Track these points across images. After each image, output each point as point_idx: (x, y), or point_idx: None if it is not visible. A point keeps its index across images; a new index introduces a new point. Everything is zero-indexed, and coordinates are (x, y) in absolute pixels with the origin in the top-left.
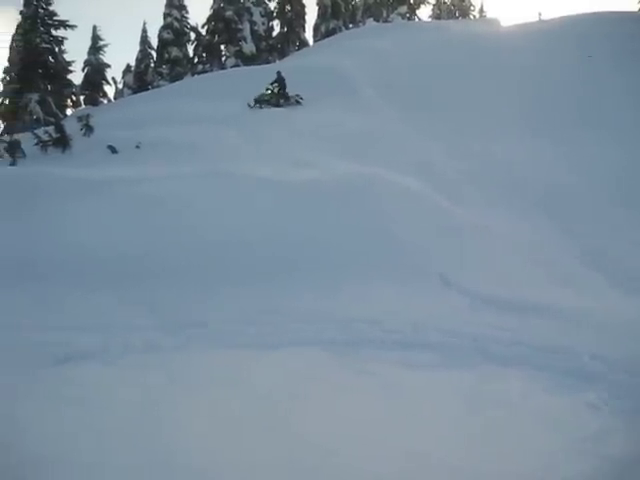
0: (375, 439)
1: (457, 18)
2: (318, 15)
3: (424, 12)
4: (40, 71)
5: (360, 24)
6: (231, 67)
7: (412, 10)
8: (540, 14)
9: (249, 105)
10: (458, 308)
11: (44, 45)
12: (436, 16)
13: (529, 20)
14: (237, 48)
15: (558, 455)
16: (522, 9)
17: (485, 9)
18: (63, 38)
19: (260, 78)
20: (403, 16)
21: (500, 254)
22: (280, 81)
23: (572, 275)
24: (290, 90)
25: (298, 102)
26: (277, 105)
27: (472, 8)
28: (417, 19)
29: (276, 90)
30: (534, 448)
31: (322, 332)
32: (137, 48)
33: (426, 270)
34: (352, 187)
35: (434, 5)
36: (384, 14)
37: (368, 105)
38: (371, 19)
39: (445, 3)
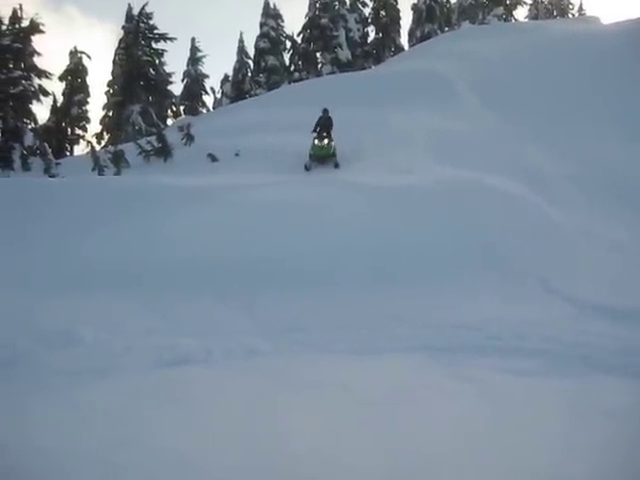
0: (478, 448)
1: (555, 17)
2: (413, 20)
3: (521, 13)
4: (142, 83)
5: (455, 27)
6: (327, 74)
7: (508, 11)
8: None
9: None
10: (563, 315)
11: (145, 58)
12: (533, 16)
13: (631, 17)
14: (333, 55)
15: None
16: (623, 6)
17: (584, 7)
18: (163, 51)
19: (356, 84)
20: (499, 17)
21: (603, 259)
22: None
23: None
24: (387, 95)
25: None
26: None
27: (570, 6)
28: (514, 20)
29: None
30: None
31: (422, 338)
32: (234, 58)
33: (527, 275)
34: (451, 191)
35: (531, 5)
36: (480, 16)
37: (467, 108)
38: (467, 22)
39: (542, 2)
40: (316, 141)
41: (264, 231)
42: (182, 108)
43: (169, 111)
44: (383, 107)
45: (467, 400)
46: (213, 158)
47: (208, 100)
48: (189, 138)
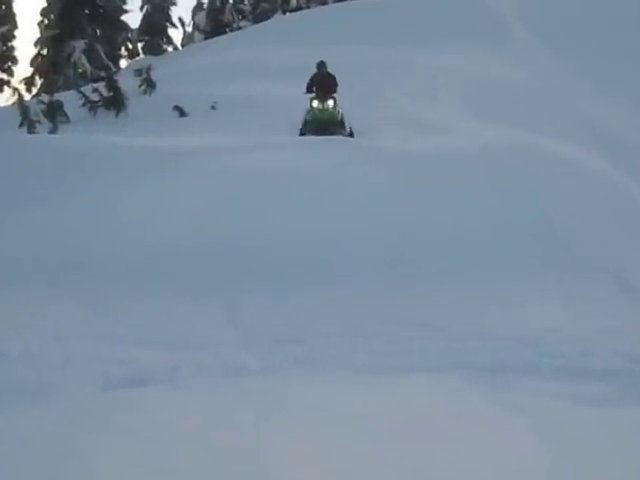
0: None
1: None
2: None
3: None
4: (87, 12)
5: None
6: (334, 2)
7: None
8: None
9: None
10: None
11: None
12: None
13: None
14: None
15: None
16: None
17: None
18: None
19: (373, 16)
20: None
21: None
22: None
23: None
24: (413, 31)
25: None
26: None
27: None
28: None
29: None
30: None
31: (457, 353)
32: None
33: (598, 269)
34: (500, 159)
35: None
36: None
37: (522, 50)
38: None
39: None
40: (314, 102)
41: (248, 209)
42: (140, 45)
43: (123, 49)
44: (408, 46)
45: (517, 437)
46: (181, 112)
47: (175, 35)
48: (149, 85)
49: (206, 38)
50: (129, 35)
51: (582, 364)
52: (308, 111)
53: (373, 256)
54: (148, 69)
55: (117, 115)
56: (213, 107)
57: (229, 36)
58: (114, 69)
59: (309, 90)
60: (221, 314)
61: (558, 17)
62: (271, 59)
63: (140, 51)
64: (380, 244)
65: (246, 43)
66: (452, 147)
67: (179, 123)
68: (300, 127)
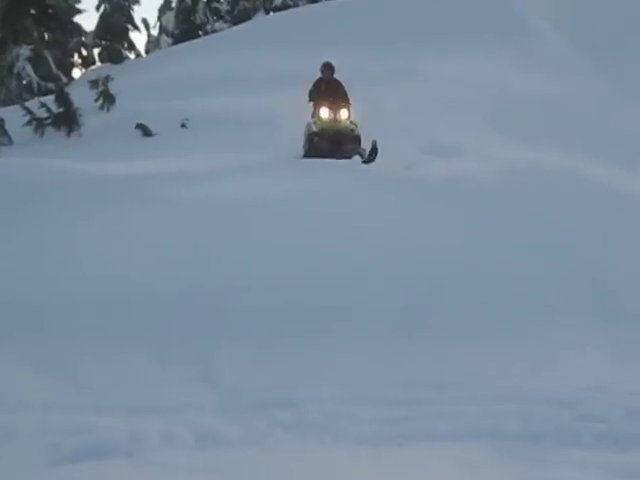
0: None
1: None
2: None
3: None
4: (33, 12)
5: None
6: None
7: None
8: None
9: None
10: None
11: None
12: None
13: None
14: None
15: None
16: None
17: None
18: None
19: (371, 15)
20: None
21: None
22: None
23: None
24: (419, 32)
25: None
26: None
27: None
28: None
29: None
30: None
31: (484, 418)
32: None
33: None
34: (526, 186)
35: None
36: None
37: (550, 55)
38: None
39: None
40: (322, 111)
41: (227, 246)
42: (97, 52)
43: (76, 56)
44: (414, 50)
45: None
46: (145, 131)
47: (138, 39)
48: (108, 99)
49: (175, 43)
50: (83, 39)
51: (628, 429)
52: (314, 123)
53: (378, 301)
54: (106, 80)
55: (69, 135)
56: (183, 125)
57: (202, 40)
58: (65, 80)
59: (313, 98)
60: (194, 372)
61: (593, 15)
62: (252, 67)
63: (96, 58)
64: (386, 286)
65: (223, 48)
66: (469, 171)
67: (143, 144)
68: (303, 144)
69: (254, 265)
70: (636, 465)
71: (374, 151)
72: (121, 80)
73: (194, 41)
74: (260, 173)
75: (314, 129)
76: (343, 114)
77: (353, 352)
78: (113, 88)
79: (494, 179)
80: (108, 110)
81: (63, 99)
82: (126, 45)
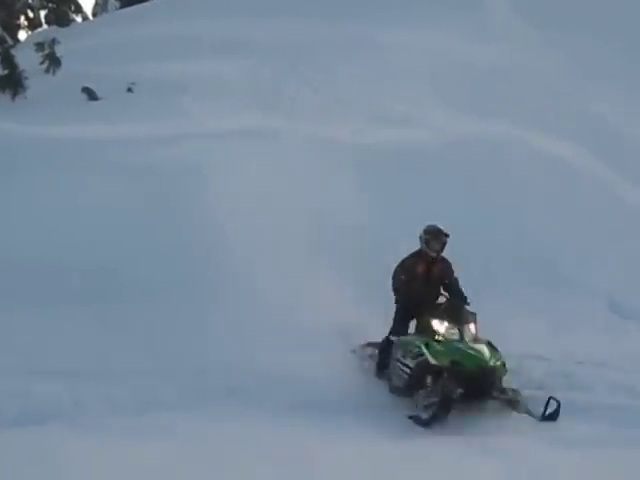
0: None
1: None
2: None
3: None
4: None
5: None
6: None
7: None
8: None
9: None
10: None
11: None
12: None
13: None
14: None
15: None
16: None
17: None
18: None
19: None
20: None
21: None
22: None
23: None
24: (369, 1)
25: None
26: None
27: None
28: None
29: None
30: None
31: None
32: None
33: (590, 292)
34: (472, 156)
35: None
36: None
37: (501, 26)
38: None
39: None
40: (437, 325)
41: (171, 212)
42: (43, 14)
43: (22, 18)
44: (369, 21)
45: None
46: (91, 95)
47: (86, 2)
48: (53, 62)
49: (123, 6)
50: (30, 1)
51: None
52: (426, 342)
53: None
54: (52, 43)
55: (13, 98)
56: (130, 89)
57: (152, 4)
58: (10, 42)
59: (400, 289)
60: (137, 338)
61: None
62: (204, 32)
63: (43, 21)
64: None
65: (172, 13)
66: (415, 141)
67: (88, 108)
68: (391, 380)
69: (191, 230)
70: (572, 430)
71: (556, 409)
72: (67, 43)
73: (142, 5)
74: (206, 140)
75: (430, 359)
76: (470, 330)
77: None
78: (59, 51)
79: (439, 149)
80: (54, 73)
81: (8, 61)
82: (73, 8)
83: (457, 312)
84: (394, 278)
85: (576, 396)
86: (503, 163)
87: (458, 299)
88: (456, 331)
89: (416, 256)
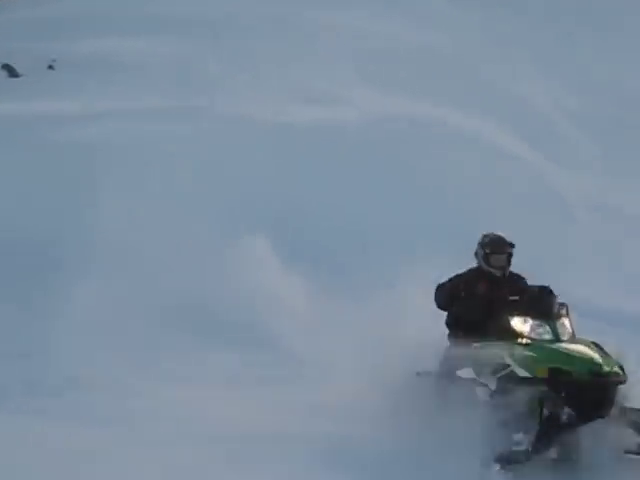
0: None
1: None
2: None
3: None
4: None
5: None
6: None
7: None
8: None
9: None
10: None
11: None
12: None
13: None
14: None
15: None
16: None
17: None
18: None
19: None
20: None
21: (623, 247)
22: None
23: None
24: None
25: None
26: None
27: None
28: None
29: None
30: None
31: None
32: None
33: None
34: (393, 135)
35: None
36: None
37: (426, 7)
38: None
39: None
40: (517, 322)
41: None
42: None
43: None
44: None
45: None
46: (11, 71)
47: None
48: None
49: None
50: None
51: None
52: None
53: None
54: None
55: None
56: (51, 67)
57: None
58: None
59: (450, 303)
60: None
61: None
62: (125, 9)
63: None
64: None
65: None
66: (337, 120)
67: (8, 85)
68: (490, 402)
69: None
70: None
71: None
72: None
73: None
74: (127, 119)
75: (519, 370)
76: (565, 325)
77: None
78: None
79: (363, 127)
80: None
81: None
82: None
83: (545, 304)
84: (438, 288)
85: None
86: (424, 142)
87: (541, 288)
88: (547, 328)
89: (475, 271)
